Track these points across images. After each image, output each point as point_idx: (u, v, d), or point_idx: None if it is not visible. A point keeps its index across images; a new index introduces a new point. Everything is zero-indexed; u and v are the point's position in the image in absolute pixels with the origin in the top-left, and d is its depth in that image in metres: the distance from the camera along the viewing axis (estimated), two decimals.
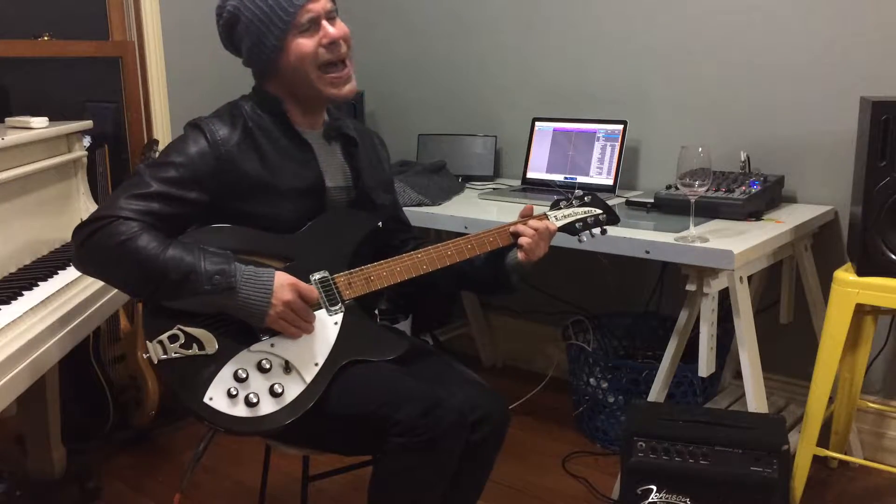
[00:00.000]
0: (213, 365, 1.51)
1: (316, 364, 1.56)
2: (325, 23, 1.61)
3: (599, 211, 1.78)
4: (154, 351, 1.51)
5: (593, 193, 1.80)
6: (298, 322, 1.55)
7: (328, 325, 1.60)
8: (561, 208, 1.77)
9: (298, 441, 1.69)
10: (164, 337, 1.51)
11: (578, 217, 1.76)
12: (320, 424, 1.57)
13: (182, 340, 1.51)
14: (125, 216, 1.49)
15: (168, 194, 1.53)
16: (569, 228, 1.75)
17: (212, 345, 1.52)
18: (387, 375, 1.59)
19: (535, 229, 1.67)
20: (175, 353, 1.51)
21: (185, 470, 1.74)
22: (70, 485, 2.40)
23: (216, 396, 1.50)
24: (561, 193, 1.82)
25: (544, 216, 1.73)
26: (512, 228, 1.69)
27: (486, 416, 1.66)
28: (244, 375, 1.51)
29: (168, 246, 1.48)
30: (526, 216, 1.72)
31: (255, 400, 1.50)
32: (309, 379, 1.55)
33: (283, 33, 1.59)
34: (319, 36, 1.61)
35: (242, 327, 1.54)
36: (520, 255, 1.67)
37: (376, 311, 1.83)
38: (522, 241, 1.66)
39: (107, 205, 1.53)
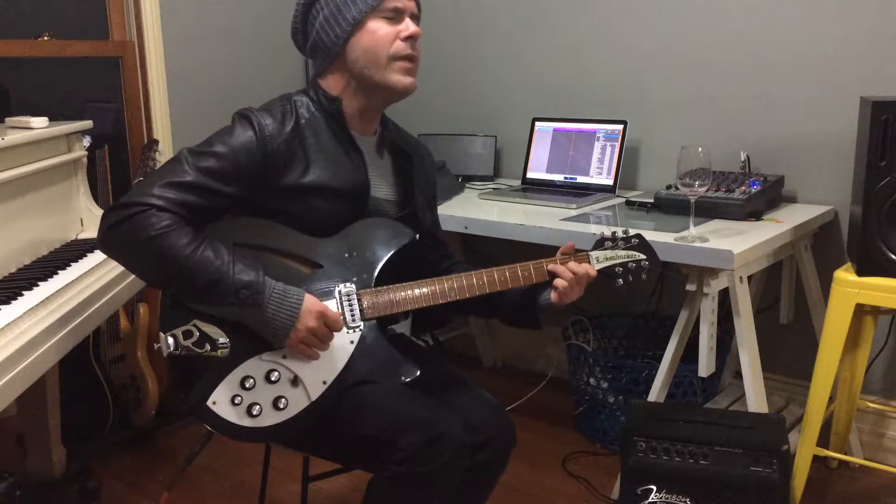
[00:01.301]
0: (222, 368, 1.49)
1: (324, 382, 1.52)
2: (408, 19, 1.60)
3: (643, 256, 1.69)
4: (165, 343, 1.48)
5: (641, 235, 1.72)
6: (318, 346, 1.51)
7: (344, 343, 1.55)
8: (605, 248, 1.69)
9: (299, 446, 1.67)
10: (178, 331, 1.48)
11: (620, 261, 1.68)
12: (322, 437, 1.56)
13: (196, 338, 1.48)
14: (159, 206, 1.43)
15: (206, 186, 1.48)
16: (609, 272, 1.67)
17: (224, 347, 1.49)
18: (393, 397, 1.54)
19: (574, 273, 1.60)
20: (186, 349, 1.48)
21: (177, 469, 1.73)
22: (70, 485, 2.40)
23: (220, 401, 1.47)
24: (608, 229, 1.72)
25: (586, 256, 1.66)
26: (550, 266, 1.62)
27: (491, 439, 1.62)
28: (251, 384, 1.49)
29: (199, 246, 1.43)
30: (567, 254, 1.65)
31: (256, 412, 1.48)
32: (314, 396, 1.51)
33: (366, 9, 1.56)
34: (400, 28, 1.59)
35: (257, 333, 1.51)
36: (553, 295, 1.61)
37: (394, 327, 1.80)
38: (558, 282, 1.60)
39: (142, 189, 1.45)
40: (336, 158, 1.60)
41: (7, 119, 2.23)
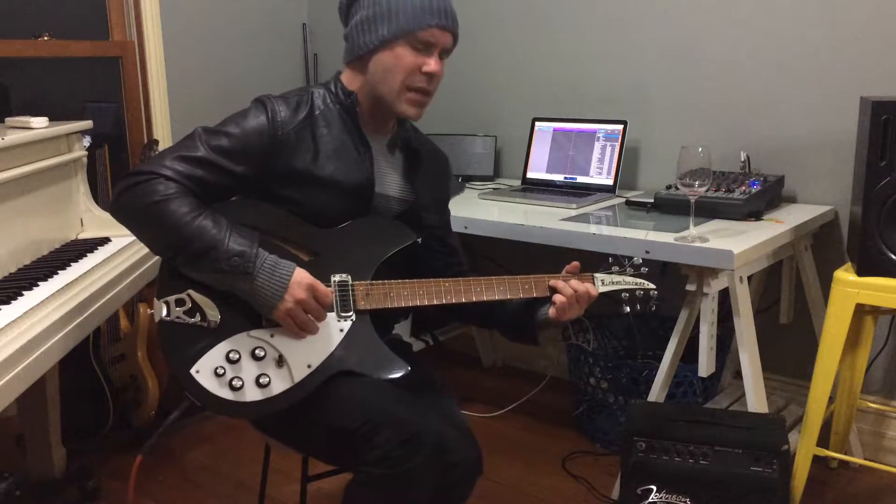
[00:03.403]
0: (209, 339, 1.51)
1: (308, 366, 1.53)
2: (436, 55, 1.61)
3: (653, 286, 1.65)
4: (158, 309, 1.51)
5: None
6: (306, 324, 1.52)
7: (333, 330, 1.57)
8: (612, 273, 1.65)
9: (279, 436, 1.68)
10: (171, 298, 1.51)
11: (626, 287, 1.64)
12: (301, 426, 1.56)
13: (188, 306, 1.51)
14: (168, 175, 1.49)
15: (215, 163, 1.53)
16: (614, 296, 1.64)
17: (215, 318, 1.51)
18: (375, 393, 1.54)
19: (575, 291, 1.58)
20: (178, 317, 1.51)
21: (154, 433, 1.72)
22: (70, 485, 2.40)
23: (203, 371, 1.49)
24: (620, 254, 1.68)
25: (591, 277, 1.64)
26: (551, 282, 1.60)
27: (458, 463, 1.60)
28: (236, 358, 1.50)
29: (199, 215, 1.48)
30: (571, 272, 1.63)
31: (238, 385, 1.49)
32: (297, 379, 1.52)
33: (400, 34, 1.57)
34: (424, 61, 1.59)
35: (249, 310, 1.53)
36: (551, 311, 1.59)
37: (394, 329, 1.80)
38: (557, 298, 1.58)
39: (155, 160, 1.53)
40: (344, 152, 1.63)
41: (7, 119, 2.23)
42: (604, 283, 1.64)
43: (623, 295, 1.65)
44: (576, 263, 1.64)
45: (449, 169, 1.88)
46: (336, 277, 1.58)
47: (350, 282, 1.58)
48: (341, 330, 1.57)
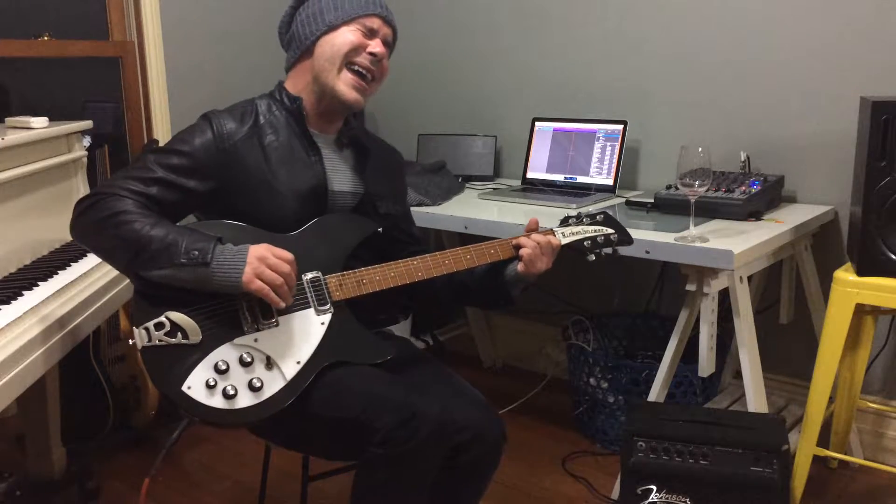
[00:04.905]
0: (195, 355, 1.52)
1: (298, 362, 1.56)
2: (378, 40, 1.68)
3: (611, 231, 1.72)
4: (139, 337, 1.52)
5: (606, 212, 1.76)
6: (276, 281, 1.50)
7: (315, 324, 1.59)
8: (569, 224, 1.72)
9: (281, 439, 1.69)
10: (150, 324, 1.52)
11: (587, 235, 1.71)
12: (301, 424, 1.57)
13: (167, 328, 1.52)
14: (122, 194, 1.54)
15: (168, 181, 1.57)
16: (577, 246, 1.70)
17: (196, 335, 1.52)
18: (369, 381, 1.57)
19: (538, 242, 1.65)
20: (159, 340, 1.52)
21: (158, 455, 1.74)
22: (70, 485, 2.40)
23: (194, 386, 1.50)
24: (573, 210, 1.78)
25: (551, 231, 1.70)
26: (514, 241, 1.67)
27: (479, 437, 1.63)
28: (224, 367, 1.51)
29: (156, 224, 1.51)
30: (531, 230, 1.69)
31: (232, 392, 1.50)
32: (289, 376, 1.54)
33: (346, 18, 1.65)
34: (367, 44, 1.66)
35: (229, 320, 1.54)
36: (519, 266, 1.65)
37: (382, 317, 1.82)
38: (523, 252, 1.64)
39: (108, 182, 1.57)
40: (294, 156, 1.67)
41: (7, 119, 2.23)
42: (564, 234, 1.71)
43: (585, 243, 1.71)
44: (534, 219, 1.71)
45: (401, 161, 1.93)
46: (308, 275, 1.61)
47: (322, 276, 1.61)
48: (322, 323, 1.60)
